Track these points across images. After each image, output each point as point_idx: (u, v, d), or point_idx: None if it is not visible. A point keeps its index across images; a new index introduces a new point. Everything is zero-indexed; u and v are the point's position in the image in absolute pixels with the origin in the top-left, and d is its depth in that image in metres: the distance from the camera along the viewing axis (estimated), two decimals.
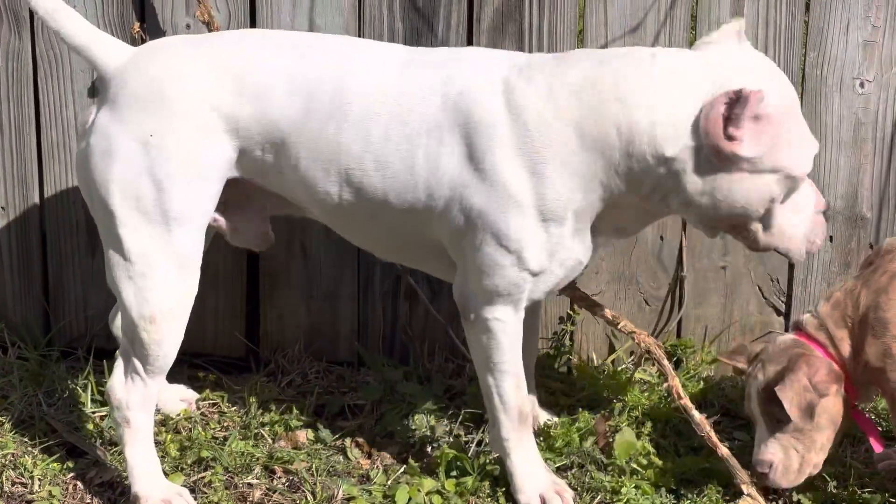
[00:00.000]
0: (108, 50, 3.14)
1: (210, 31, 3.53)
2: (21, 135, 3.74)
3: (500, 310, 3.08)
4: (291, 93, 3.05)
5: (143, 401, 3.14)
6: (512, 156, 2.95)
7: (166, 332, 3.11)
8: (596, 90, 2.93)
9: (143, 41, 3.59)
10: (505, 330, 3.09)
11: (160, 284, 3.08)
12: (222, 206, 3.20)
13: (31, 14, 3.64)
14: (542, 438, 3.41)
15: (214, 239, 3.69)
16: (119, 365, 3.18)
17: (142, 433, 3.16)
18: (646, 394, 3.60)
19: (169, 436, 3.46)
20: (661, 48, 3.03)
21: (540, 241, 3.00)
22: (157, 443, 3.32)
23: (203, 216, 3.12)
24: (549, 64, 3.02)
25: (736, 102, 2.81)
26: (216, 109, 3.05)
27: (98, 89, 3.21)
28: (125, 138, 3.04)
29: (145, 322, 3.09)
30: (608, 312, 3.38)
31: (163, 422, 3.52)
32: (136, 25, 3.59)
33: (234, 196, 3.22)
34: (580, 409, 3.53)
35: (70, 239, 3.79)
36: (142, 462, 3.17)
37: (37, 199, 3.78)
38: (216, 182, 3.11)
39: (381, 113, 3.03)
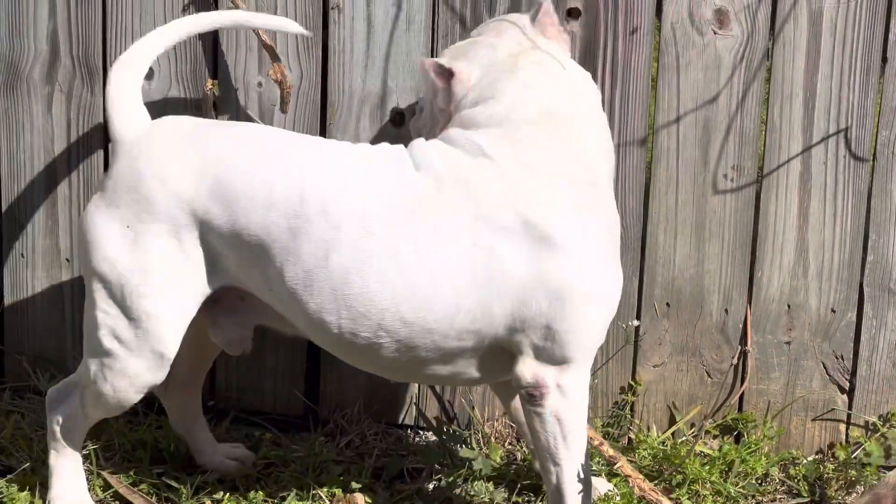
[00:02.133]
0: (124, 119, 3.13)
1: (282, 91, 3.54)
2: (89, 186, 3.75)
3: (585, 373, 3.06)
4: (269, 206, 2.99)
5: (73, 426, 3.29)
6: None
7: (122, 401, 3.18)
8: None
9: (216, 99, 3.61)
10: (585, 396, 3.08)
11: (127, 371, 3.12)
12: (212, 302, 3.17)
13: (105, 67, 3.66)
14: None
15: None
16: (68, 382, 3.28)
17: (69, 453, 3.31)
18: (706, 467, 3.57)
19: (227, 495, 3.44)
20: None
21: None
22: (215, 502, 3.31)
23: (180, 316, 3.10)
24: None
25: None
26: (193, 213, 3.02)
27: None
28: (109, 218, 3.06)
29: (101, 388, 3.16)
30: (607, 450, 3.31)
31: (220, 480, 3.51)
32: (210, 83, 3.60)
33: (228, 296, 3.19)
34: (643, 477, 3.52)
35: None
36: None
37: None
38: (194, 285, 3.08)
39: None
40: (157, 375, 3.14)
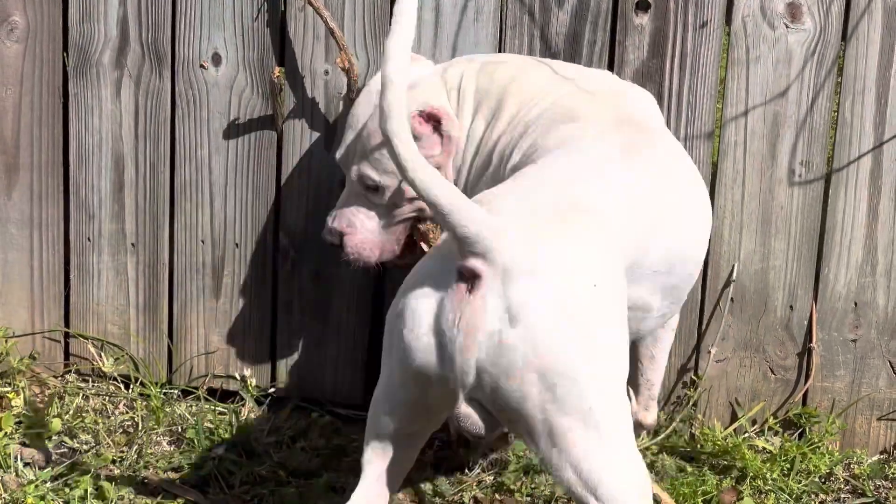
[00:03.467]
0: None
1: (349, 78, 3.54)
2: (155, 172, 3.77)
3: None
4: None
5: None
6: None
7: None
8: None
9: (282, 88, 3.61)
10: None
11: None
12: None
13: (173, 54, 3.68)
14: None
15: (336, 284, 3.70)
16: None
17: None
18: (767, 464, 3.55)
19: (287, 477, 3.45)
20: None
21: None
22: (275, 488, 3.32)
23: None
24: None
25: None
26: None
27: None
28: None
29: None
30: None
31: (282, 465, 3.52)
32: (277, 70, 3.61)
33: None
34: (706, 472, 3.50)
35: (196, 279, 3.81)
36: None
37: (167, 238, 3.81)
38: None
39: None
40: None
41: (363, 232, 3.33)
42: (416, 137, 3.07)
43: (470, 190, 3.16)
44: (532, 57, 3.46)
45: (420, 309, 2.50)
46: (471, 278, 2.45)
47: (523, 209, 2.60)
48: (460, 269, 2.45)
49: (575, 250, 2.55)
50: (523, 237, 2.50)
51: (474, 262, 2.44)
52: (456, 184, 3.21)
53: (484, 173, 3.16)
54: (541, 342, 2.45)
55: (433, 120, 3.19)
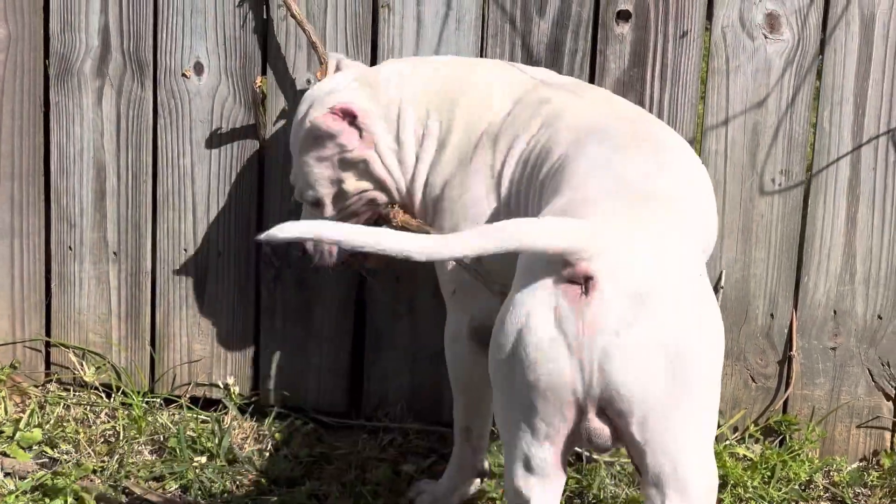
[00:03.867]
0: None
1: None
2: (137, 181, 3.77)
3: None
4: None
5: None
6: None
7: None
8: None
9: (264, 97, 3.62)
10: None
11: None
12: None
13: (155, 63, 3.68)
14: None
15: (319, 291, 3.71)
16: None
17: None
18: (748, 472, 3.56)
19: (269, 486, 3.46)
20: None
21: None
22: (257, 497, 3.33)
23: None
24: None
25: None
26: None
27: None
28: None
29: None
30: None
31: (265, 473, 3.52)
32: (259, 79, 3.61)
33: None
34: None
35: (179, 287, 3.81)
36: None
37: (149, 246, 3.81)
38: None
39: None
40: None
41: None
42: (333, 134, 3.22)
43: (443, 180, 3.25)
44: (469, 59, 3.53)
45: (538, 322, 2.50)
46: (584, 281, 2.46)
47: (606, 209, 2.62)
48: (570, 275, 2.47)
49: (673, 241, 2.60)
50: (624, 234, 2.53)
51: (586, 266, 2.46)
52: (414, 177, 3.31)
53: (466, 168, 3.22)
54: (665, 333, 2.47)
55: (348, 116, 3.26)
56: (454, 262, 3.19)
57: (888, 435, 3.71)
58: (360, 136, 3.28)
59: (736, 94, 3.56)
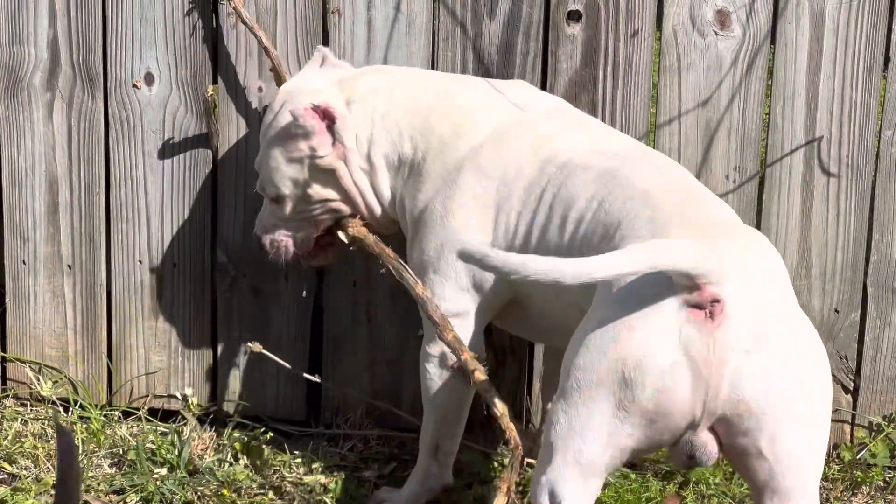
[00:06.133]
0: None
1: None
2: (90, 193, 3.75)
3: None
4: None
5: None
6: None
7: None
8: None
9: (216, 106, 3.60)
10: None
11: None
12: None
13: (105, 74, 3.66)
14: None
15: (276, 299, 3.69)
16: None
17: None
18: (710, 469, 3.57)
19: (230, 496, 3.44)
20: None
21: None
22: None
23: None
24: None
25: None
26: None
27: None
28: None
29: None
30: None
31: (224, 484, 3.51)
32: (210, 88, 3.60)
33: None
34: (649, 478, 3.52)
35: (135, 299, 3.79)
36: None
37: (104, 259, 3.78)
38: None
39: None
40: None
41: (276, 231, 3.41)
42: (308, 132, 3.23)
43: (422, 205, 3.24)
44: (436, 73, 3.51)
45: (661, 346, 2.54)
46: (710, 304, 2.53)
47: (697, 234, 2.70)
48: (696, 299, 2.53)
49: (773, 262, 2.76)
50: (741, 257, 2.64)
51: (714, 289, 2.53)
52: (385, 200, 3.33)
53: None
54: (792, 350, 2.61)
55: (327, 118, 3.24)
56: (462, 290, 3.20)
57: (847, 428, 3.72)
58: (333, 143, 3.27)
59: (688, 92, 3.56)
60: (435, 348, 3.23)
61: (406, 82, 3.34)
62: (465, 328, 3.18)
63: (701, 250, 2.57)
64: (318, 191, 3.31)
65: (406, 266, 3.20)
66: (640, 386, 2.55)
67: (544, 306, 3.13)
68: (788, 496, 2.63)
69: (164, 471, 3.56)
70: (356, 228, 3.34)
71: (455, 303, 3.19)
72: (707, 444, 2.61)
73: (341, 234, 3.39)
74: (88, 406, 3.78)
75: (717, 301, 2.53)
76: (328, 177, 3.29)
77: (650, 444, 2.64)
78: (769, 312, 2.59)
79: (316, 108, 3.23)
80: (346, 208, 3.34)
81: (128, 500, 3.46)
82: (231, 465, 3.60)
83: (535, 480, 2.66)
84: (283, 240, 3.41)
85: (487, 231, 3.14)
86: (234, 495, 3.47)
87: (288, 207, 3.35)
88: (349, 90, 3.30)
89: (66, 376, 3.85)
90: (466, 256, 2.58)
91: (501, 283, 3.13)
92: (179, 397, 3.83)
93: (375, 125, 3.27)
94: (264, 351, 3.54)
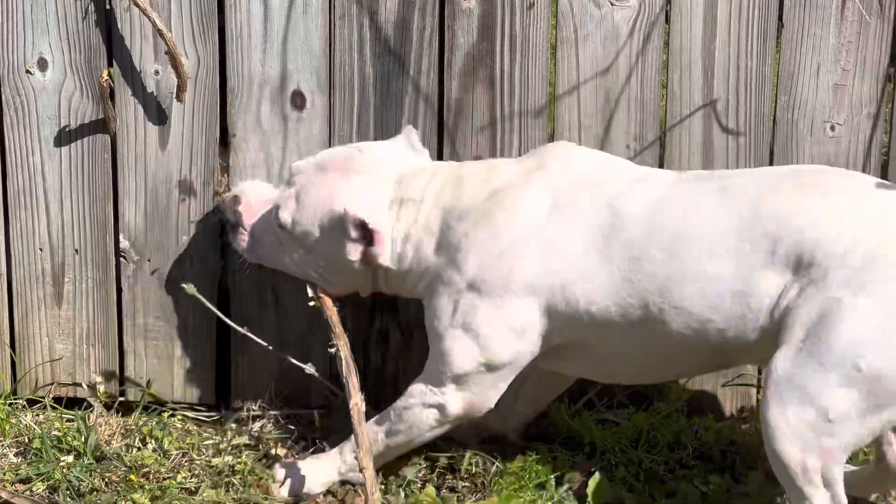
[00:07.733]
0: None
1: (179, 77, 3.51)
2: None
3: None
4: None
5: None
6: None
7: None
8: None
9: (112, 90, 3.57)
10: None
11: None
12: None
13: None
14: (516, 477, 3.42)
15: (180, 283, 3.67)
16: None
17: None
18: (615, 437, 3.59)
19: (139, 481, 3.42)
20: None
21: None
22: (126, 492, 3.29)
23: None
24: None
25: None
26: None
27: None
28: None
29: None
30: None
31: (131, 468, 3.48)
32: (105, 72, 3.56)
33: None
34: (557, 449, 3.54)
35: (36, 287, 3.75)
36: None
37: (3, 247, 3.74)
38: None
39: None
40: None
41: (254, 229, 3.49)
42: (346, 233, 3.29)
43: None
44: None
45: None
46: None
47: None
48: None
49: None
50: None
51: None
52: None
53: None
54: None
55: (368, 237, 3.29)
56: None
57: (753, 392, 3.76)
58: (363, 258, 3.32)
59: (585, 63, 3.58)
60: (447, 403, 3.32)
61: (470, 184, 3.35)
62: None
63: None
64: (329, 262, 3.39)
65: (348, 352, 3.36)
66: None
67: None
68: None
69: (70, 458, 3.53)
70: (324, 299, 3.44)
71: None
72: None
73: (309, 290, 3.46)
74: None
75: None
76: (346, 266, 3.36)
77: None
78: None
79: (364, 226, 3.27)
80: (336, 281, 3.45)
81: (34, 488, 3.43)
82: (139, 449, 3.57)
83: None
84: (253, 239, 3.49)
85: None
86: (142, 480, 3.45)
87: (294, 246, 3.41)
88: (403, 189, 3.34)
89: None
90: None
91: None
92: (85, 385, 3.80)
93: (417, 224, 3.33)
94: (249, 334, 3.53)
